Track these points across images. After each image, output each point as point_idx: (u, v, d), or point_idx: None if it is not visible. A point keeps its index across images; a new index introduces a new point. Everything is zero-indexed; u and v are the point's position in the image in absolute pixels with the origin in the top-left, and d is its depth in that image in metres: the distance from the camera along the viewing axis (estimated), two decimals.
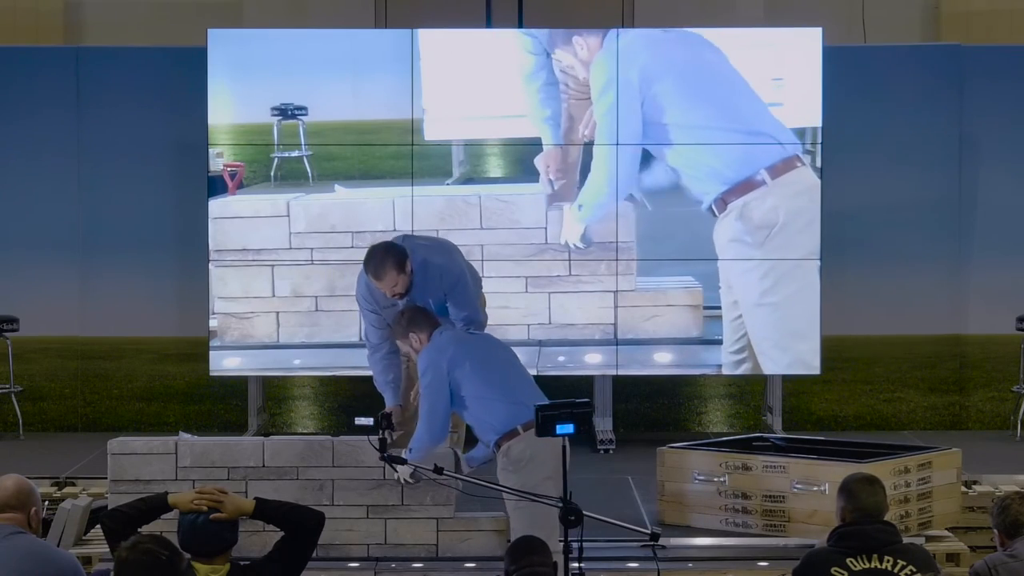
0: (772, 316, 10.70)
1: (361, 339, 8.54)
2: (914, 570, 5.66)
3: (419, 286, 7.73)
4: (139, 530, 5.50)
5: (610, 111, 10.59)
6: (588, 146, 10.70)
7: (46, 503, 8.47)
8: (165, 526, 6.99)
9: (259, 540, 6.85)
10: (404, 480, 7.47)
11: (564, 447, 6.27)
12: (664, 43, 10.79)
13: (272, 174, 10.84)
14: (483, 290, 8.19)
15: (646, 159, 10.67)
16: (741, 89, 10.64)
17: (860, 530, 5.76)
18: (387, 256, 7.69)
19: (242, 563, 5.54)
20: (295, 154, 10.80)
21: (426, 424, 7.24)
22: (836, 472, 7.58)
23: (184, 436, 7.77)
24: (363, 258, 7.83)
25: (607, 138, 10.60)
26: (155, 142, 11.47)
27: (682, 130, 10.61)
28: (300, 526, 5.64)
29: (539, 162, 10.72)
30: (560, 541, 6.11)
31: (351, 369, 10.64)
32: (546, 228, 10.76)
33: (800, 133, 10.73)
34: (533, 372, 10.84)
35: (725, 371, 10.87)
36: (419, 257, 7.75)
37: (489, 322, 8.26)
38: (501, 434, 7.11)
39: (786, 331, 10.70)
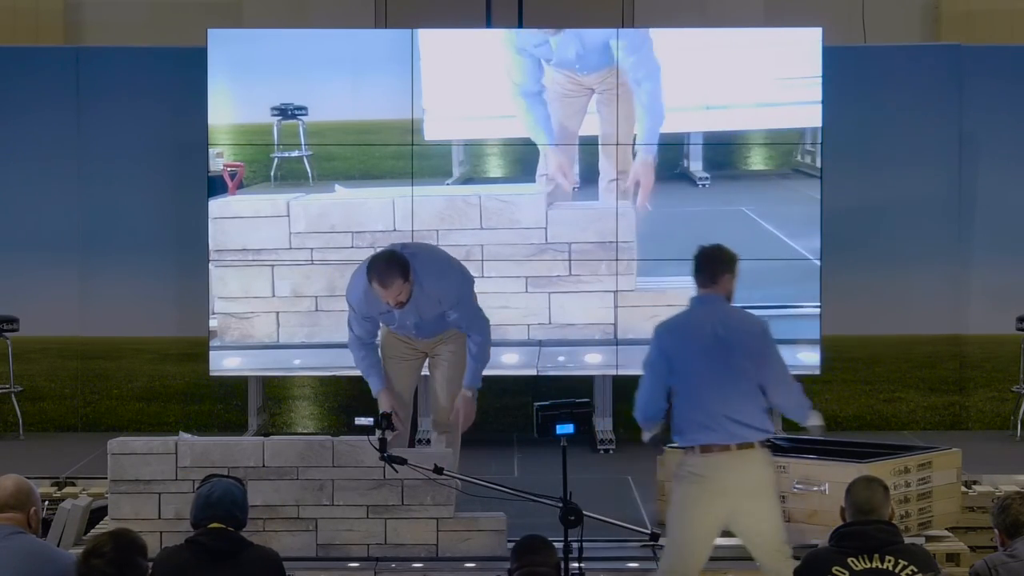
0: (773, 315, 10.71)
1: None
2: (915, 570, 5.67)
3: (416, 301, 7.88)
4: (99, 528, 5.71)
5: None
6: (585, 146, 10.72)
7: (46, 503, 8.46)
8: (168, 525, 7.05)
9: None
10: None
11: (564, 447, 6.27)
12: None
13: (272, 174, 10.83)
14: (476, 290, 8.32)
15: None
16: None
17: (861, 530, 5.77)
18: (392, 264, 7.77)
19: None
20: (295, 154, 10.80)
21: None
22: (836, 472, 7.59)
23: (184, 436, 7.78)
24: (366, 266, 7.87)
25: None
26: (155, 142, 11.46)
27: None
28: None
29: (546, 167, 10.73)
30: (571, 541, 6.12)
31: (351, 369, 10.59)
32: (546, 228, 10.76)
33: (800, 133, 10.75)
34: (533, 372, 10.89)
35: None
36: (417, 278, 7.87)
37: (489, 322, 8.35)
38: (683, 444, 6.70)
39: (787, 331, 10.72)
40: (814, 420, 6.80)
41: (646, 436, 6.81)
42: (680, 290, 10.69)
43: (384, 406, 8.04)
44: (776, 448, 8.44)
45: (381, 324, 8.25)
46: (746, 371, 6.62)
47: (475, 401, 8.24)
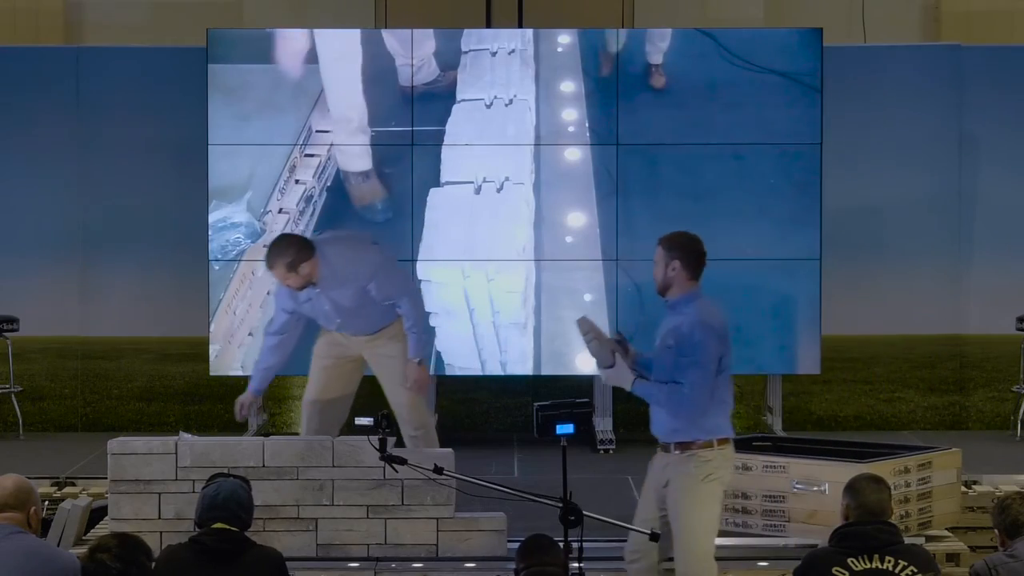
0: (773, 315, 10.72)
1: None
2: (915, 571, 5.67)
3: (326, 284, 8.07)
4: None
5: None
6: (581, 146, 10.74)
7: (46, 503, 8.48)
8: (168, 525, 7.02)
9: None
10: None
11: (564, 447, 6.27)
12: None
13: (273, 174, 10.81)
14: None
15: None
16: None
17: (861, 530, 5.77)
18: (284, 251, 8.01)
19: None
20: (295, 154, 10.78)
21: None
22: (836, 472, 7.59)
23: (184, 436, 7.78)
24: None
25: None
26: (155, 142, 11.45)
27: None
28: None
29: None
30: (571, 541, 6.13)
31: None
32: (544, 228, 10.75)
33: (800, 133, 10.73)
34: (532, 372, 10.88)
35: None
36: (326, 253, 8.07)
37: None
38: (703, 437, 6.73)
39: (786, 331, 10.72)
40: None
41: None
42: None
43: (239, 409, 8.43)
44: (777, 447, 8.48)
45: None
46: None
47: (424, 368, 8.35)
